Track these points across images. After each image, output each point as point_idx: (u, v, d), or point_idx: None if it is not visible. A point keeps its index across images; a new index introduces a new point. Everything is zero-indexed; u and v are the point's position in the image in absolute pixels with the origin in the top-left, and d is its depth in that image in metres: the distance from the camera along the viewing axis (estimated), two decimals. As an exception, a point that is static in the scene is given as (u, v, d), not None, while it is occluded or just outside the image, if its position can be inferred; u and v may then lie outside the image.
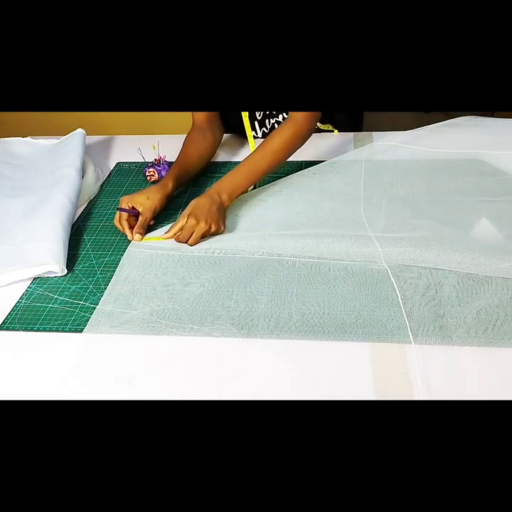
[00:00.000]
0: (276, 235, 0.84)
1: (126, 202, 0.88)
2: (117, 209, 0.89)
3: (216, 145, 1.10)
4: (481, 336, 0.65)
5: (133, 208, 0.88)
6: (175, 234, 0.84)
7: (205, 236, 0.84)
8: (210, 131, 1.08)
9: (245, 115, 1.02)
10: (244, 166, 0.92)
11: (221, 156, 1.14)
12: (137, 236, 0.86)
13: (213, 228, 0.84)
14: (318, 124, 1.15)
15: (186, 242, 0.83)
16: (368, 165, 1.01)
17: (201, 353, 0.67)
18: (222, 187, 0.89)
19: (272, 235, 0.84)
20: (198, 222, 0.82)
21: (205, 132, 1.07)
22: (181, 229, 0.84)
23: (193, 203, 0.86)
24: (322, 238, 0.81)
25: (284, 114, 1.13)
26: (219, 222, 0.85)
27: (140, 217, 0.88)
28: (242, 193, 0.93)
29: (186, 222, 0.83)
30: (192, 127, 1.08)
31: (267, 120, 1.14)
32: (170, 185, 0.93)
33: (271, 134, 0.94)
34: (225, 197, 0.88)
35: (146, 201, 0.88)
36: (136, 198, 0.89)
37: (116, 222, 0.90)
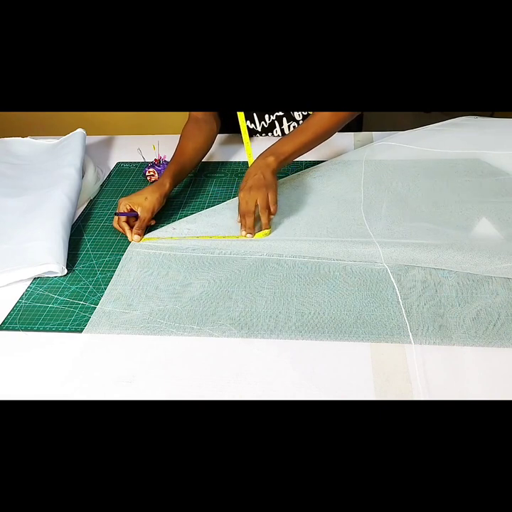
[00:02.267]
0: (276, 237, 0.84)
1: (124, 204, 0.88)
2: (115, 214, 0.89)
3: (213, 137, 1.09)
4: (481, 336, 0.65)
5: (131, 209, 0.88)
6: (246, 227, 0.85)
7: (267, 203, 0.85)
8: (206, 123, 1.07)
9: (241, 115, 1.02)
10: (290, 133, 0.95)
11: (221, 156, 1.14)
12: (136, 237, 0.86)
13: (263, 189, 0.85)
14: None
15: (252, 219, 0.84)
16: (367, 165, 1.01)
17: (201, 353, 0.67)
18: (264, 153, 0.92)
19: (272, 237, 0.84)
20: (250, 191, 0.85)
21: (201, 124, 1.06)
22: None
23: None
24: (322, 242, 0.81)
25: None
26: (265, 181, 0.86)
27: (139, 219, 0.88)
28: (291, 157, 0.93)
29: (240, 198, 0.86)
30: (188, 119, 1.07)
31: (266, 115, 1.14)
32: (167, 184, 0.92)
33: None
34: (270, 158, 0.90)
35: (144, 202, 0.88)
36: (133, 199, 0.88)
37: (115, 225, 0.90)
